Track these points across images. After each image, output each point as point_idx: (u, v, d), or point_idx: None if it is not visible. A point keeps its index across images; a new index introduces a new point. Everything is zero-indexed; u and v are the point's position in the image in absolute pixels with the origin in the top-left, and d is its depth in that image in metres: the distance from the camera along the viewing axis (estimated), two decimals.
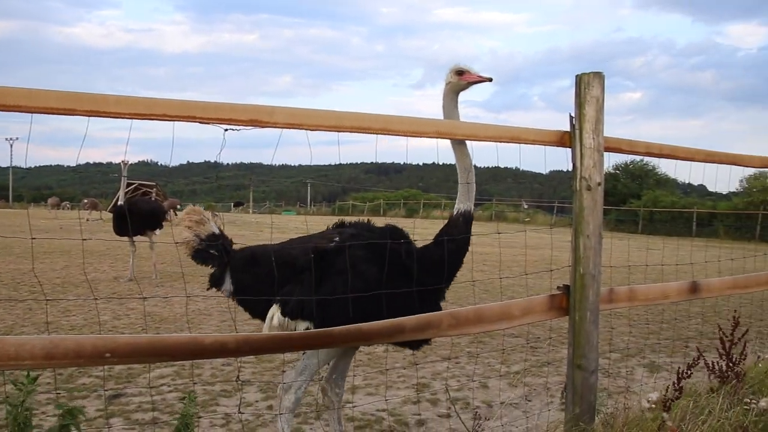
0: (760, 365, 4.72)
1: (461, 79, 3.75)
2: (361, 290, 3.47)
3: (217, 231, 4.13)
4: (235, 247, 4.17)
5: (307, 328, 3.57)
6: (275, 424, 5.02)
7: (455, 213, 3.76)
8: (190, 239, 4.04)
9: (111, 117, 2.42)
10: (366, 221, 4.02)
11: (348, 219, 4.07)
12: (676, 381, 3.67)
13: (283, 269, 3.70)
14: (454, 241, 3.68)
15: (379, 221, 3.92)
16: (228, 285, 4.00)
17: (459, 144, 3.73)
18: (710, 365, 4.23)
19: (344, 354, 4.08)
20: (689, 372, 3.76)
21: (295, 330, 3.59)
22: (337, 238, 3.74)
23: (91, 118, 2.43)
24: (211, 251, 4.05)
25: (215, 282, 4.06)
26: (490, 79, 3.76)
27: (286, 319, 3.65)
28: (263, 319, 3.81)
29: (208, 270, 4.11)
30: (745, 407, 3.59)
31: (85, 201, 38.49)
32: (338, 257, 3.60)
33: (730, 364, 4.12)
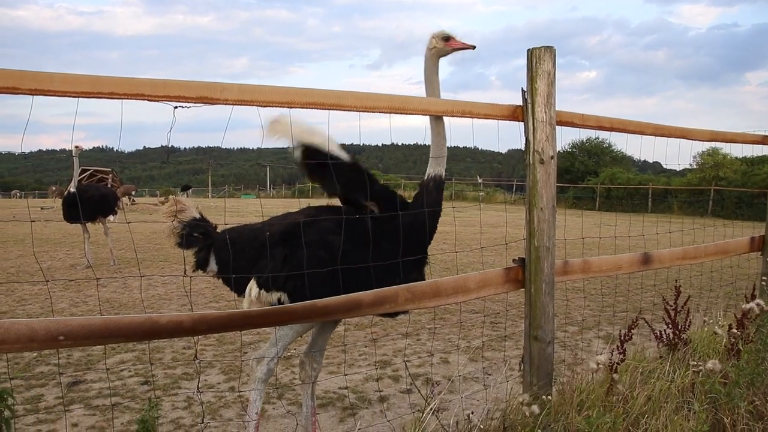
0: (705, 329, 4.84)
1: (447, 45, 3.76)
2: (329, 261, 3.50)
3: (198, 216, 4.24)
4: (218, 229, 4.24)
5: (280, 300, 3.64)
6: (237, 405, 5.05)
7: (426, 178, 3.76)
8: (175, 227, 4.13)
9: (57, 95, 2.36)
10: None
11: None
12: (619, 344, 3.77)
13: (261, 245, 3.79)
14: (427, 205, 3.68)
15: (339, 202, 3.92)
16: (213, 265, 4.10)
17: (437, 119, 3.75)
18: (658, 334, 4.34)
19: (322, 329, 4.16)
20: (630, 334, 3.86)
21: (274, 303, 3.64)
22: (313, 212, 3.82)
23: (35, 96, 2.36)
24: (195, 235, 4.14)
25: (201, 264, 4.15)
26: (474, 47, 3.80)
27: (262, 291, 3.73)
28: None
29: (193, 253, 4.17)
30: (694, 370, 3.70)
31: (54, 188, 38.14)
32: (309, 229, 3.65)
33: (677, 332, 4.24)
